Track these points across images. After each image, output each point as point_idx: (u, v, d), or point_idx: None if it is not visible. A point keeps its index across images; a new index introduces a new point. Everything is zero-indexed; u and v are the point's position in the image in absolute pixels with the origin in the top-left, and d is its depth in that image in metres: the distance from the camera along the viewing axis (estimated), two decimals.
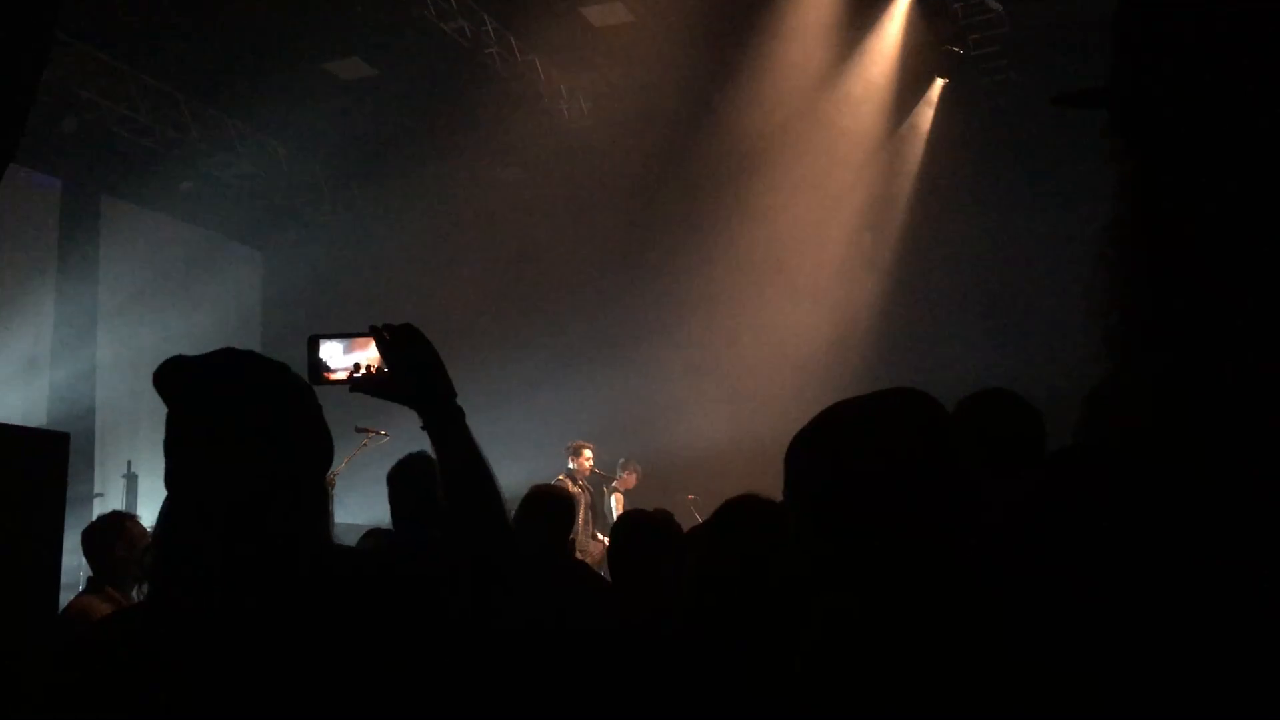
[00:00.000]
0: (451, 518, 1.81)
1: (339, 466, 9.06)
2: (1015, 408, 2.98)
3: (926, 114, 11.60)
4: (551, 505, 4.06)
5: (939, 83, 11.42)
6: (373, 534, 3.96)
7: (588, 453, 10.34)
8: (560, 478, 9.73)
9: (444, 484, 1.84)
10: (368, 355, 1.90)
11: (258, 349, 1.81)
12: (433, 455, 1.80)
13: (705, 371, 11.92)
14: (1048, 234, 10.29)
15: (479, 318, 10.94)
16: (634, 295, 12.37)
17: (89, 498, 10.44)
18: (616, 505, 10.35)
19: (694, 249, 12.04)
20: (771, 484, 2.38)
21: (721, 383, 11.76)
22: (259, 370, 1.76)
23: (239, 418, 1.70)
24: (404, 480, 3.91)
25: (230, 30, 10.26)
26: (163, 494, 1.71)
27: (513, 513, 2.14)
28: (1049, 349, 9.41)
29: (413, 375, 1.87)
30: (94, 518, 5.09)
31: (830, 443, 1.64)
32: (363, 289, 12.26)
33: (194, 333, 11.09)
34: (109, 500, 10.60)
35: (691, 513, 8.91)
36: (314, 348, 1.93)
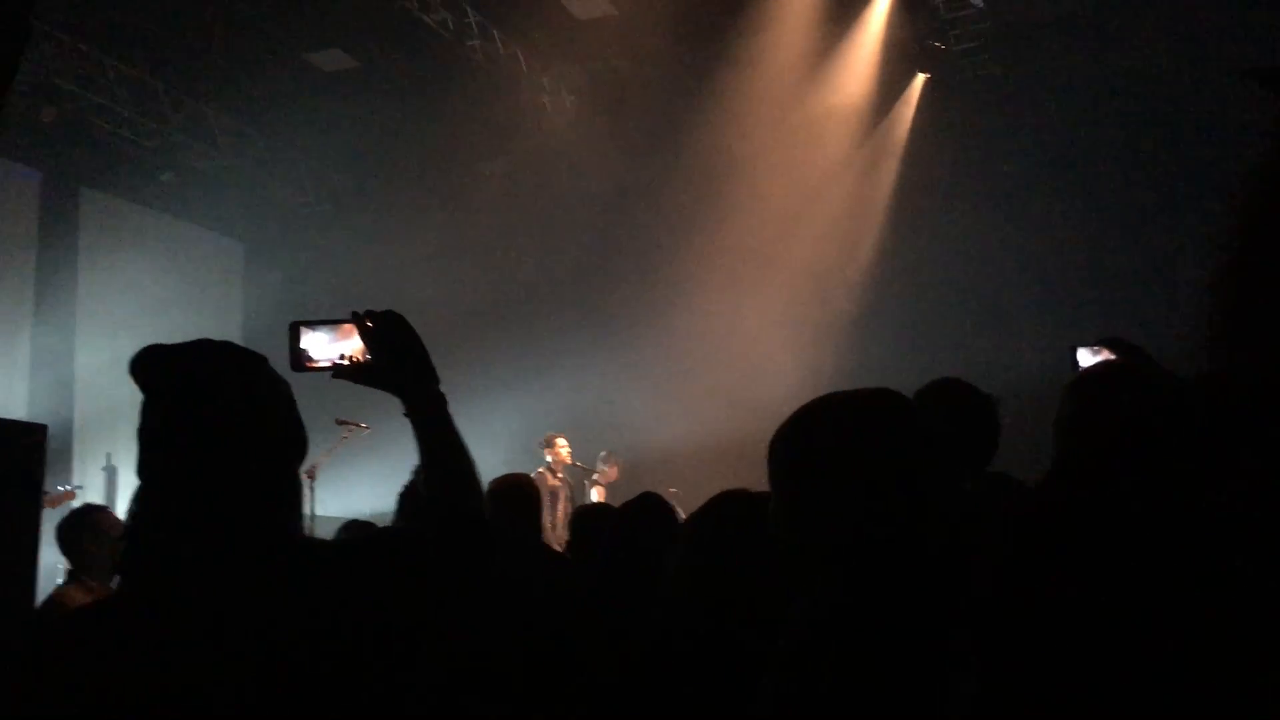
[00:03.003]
0: (429, 505, 1.80)
1: (320, 459, 9.02)
2: (967, 396, 3.00)
3: (908, 109, 11.62)
4: (513, 493, 4.09)
5: (920, 78, 11.44)
6: (352, 525, 3.96)
7: (561, 441, 10.29)
8: (540, 471, 9.71)
9: (424, 471, 1.82)
10: (352, 345, 1.88)
11: (239, 341, 1.80)
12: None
13: (689, 364, 11.92)
14: (1028, 229, 10.36)
15: (459, 309, 10.89)
16: (615, 288, 12.36)
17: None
18: (598, 498, 10.32)
19: (676, 243, 12.03)
20: (752, 477, 2.39)
21: (705, 376, 11.76)
22: (235, 361, 1.75)
23: (213, 408, 1.69)
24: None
25: (211, 20, 10.20)
26: None
27: None
28: (1026, 342, 9.48)
29: (395, 362, 1.86)
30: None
31: (807, 438, 1.68)
32: (344, 280, 12.21)
33: (175, 325, 10.96)
34: (88, 493, 10.51)
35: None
36: (295, 334, 1.91)
